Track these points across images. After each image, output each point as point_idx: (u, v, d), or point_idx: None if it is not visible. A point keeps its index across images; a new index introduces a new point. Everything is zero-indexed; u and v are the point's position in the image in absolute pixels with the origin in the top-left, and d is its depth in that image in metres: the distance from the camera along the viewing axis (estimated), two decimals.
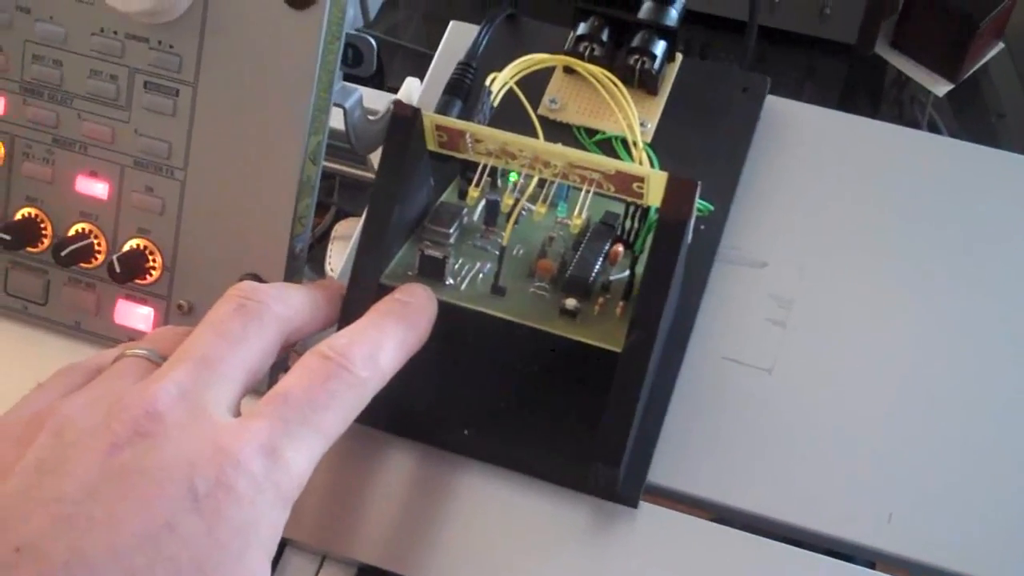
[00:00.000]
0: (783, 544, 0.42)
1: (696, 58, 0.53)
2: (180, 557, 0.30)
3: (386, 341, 0.37)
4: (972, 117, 0.93)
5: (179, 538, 0.30)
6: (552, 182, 0.42)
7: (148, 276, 0.45)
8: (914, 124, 0.99)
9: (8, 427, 0.33)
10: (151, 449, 0.31)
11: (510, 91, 0.46)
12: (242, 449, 0.32)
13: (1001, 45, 0.90)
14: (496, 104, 0.44)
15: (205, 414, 0.33)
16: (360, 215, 0.69)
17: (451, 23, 0.53)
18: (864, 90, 1.01)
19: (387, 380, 0.37)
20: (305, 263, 0.45)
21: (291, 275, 0.44)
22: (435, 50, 0.53)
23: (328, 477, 0.43)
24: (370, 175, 0.61)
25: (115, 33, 0.44)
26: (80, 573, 0.29)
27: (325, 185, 0.66)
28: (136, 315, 0.46)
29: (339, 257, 0.63)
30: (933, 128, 0.98)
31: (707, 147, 0.48)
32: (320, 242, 0.66)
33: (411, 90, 0.55)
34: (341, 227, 0.66)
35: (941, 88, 0.92)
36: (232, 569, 0.31)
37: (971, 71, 0.91)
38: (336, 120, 0.48)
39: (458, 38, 0.52)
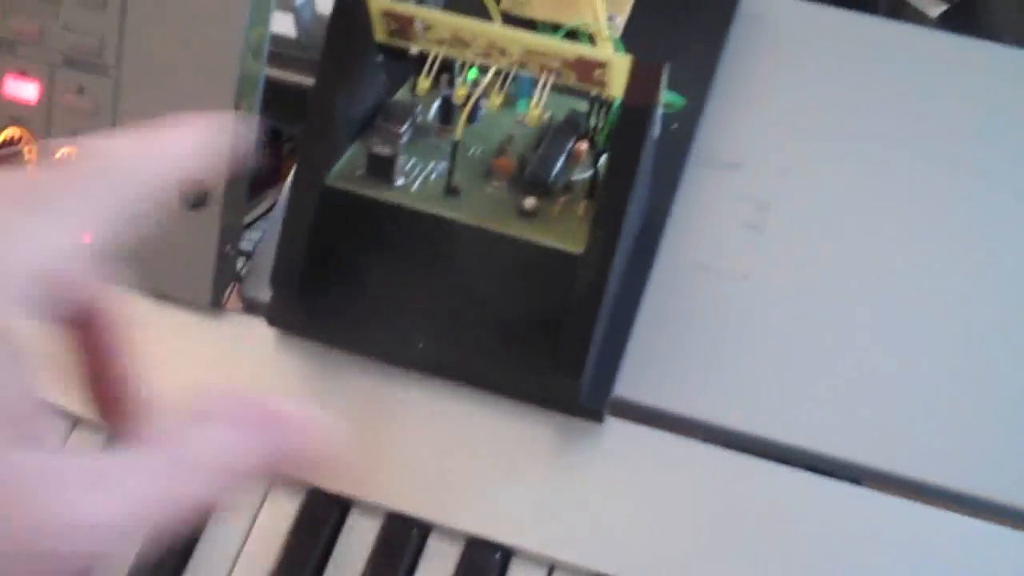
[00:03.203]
0: (762, 460, 0.40)
1: None
2: None
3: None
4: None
5: None
6: (512, 78, 0.39)
7: None
8: None
9: None
10: None
11: None
12: None
13: None
14: None
15: None
16: None
17: None
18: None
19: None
20: (250, 169, 0.42)
21: (232, 180, 0.41)
22: None
23: (287, 399, 0.41)
24: None
25: None
26: None
27: None
28: None
29: None
30: None
31: (681, 42, 0.45)
32: None
33: None
34: None
35: (935, 8, 0.88)
36: None
37: None
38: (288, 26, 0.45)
39: None
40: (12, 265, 0.24)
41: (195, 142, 0.30)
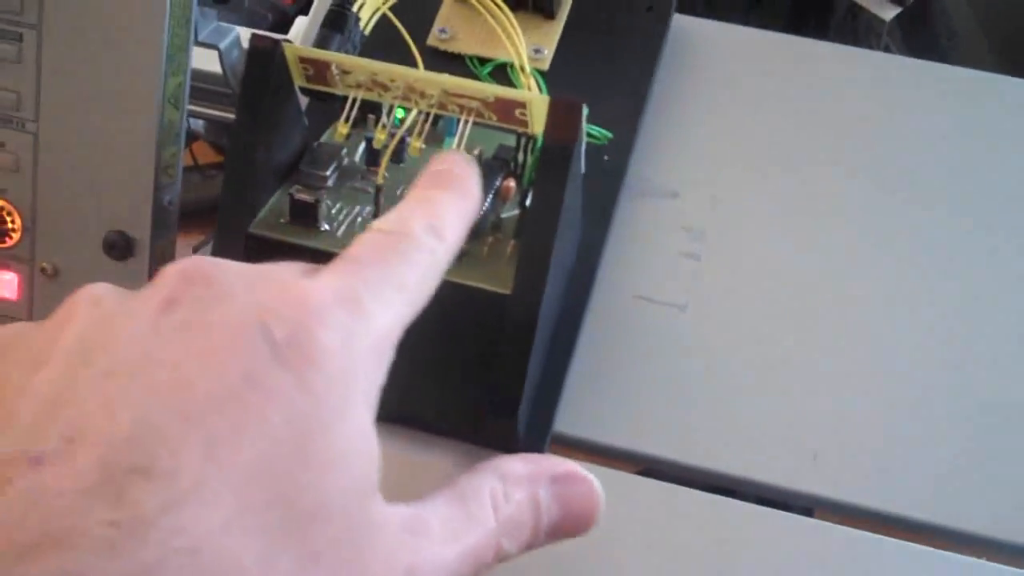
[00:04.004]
0: (709, 494, 0.39)
1: None
2: (270, 417, 0.24)
3: (441, 212, 0.32)
4: (922, 40, 0.90)
5: (265, 393, 0.24)
6: (441, 117, 0.38)
7: (7, 239, 0.42)
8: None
9: (41, 322, 0.28)
10: (211, 302, 0.26)
11: (392, 22, 0.43)
12: (318, 295, 0.26)
13: None
14: (368, 32, 0.41)
15: (269, 274, 0.27)
16: None
17: None
18: (814, 19, 0.98)
19: (454, 253, 0.32)
20: (177, 216, 0.42)
21: (160, 230, 0.41)
22: None
23: None
24: None
25: None
26: (149, 447, 0.23)
27: None
28: None
29: None
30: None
31: (610, 73, 0.44)
32: None
33: (301, 31, 0.51)
34: None
35: (888, 12, 0.88)
36: (336, 428, 0.25)
37: None
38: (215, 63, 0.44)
39: None
40: (364, 338, 0.27)
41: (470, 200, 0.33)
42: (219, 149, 0.90)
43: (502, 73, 0.44)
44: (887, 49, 0.94)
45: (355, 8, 0.40)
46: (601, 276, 0.42)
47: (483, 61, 0.45)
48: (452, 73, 0.42)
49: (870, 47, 0.96)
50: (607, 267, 0.42)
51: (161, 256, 0.41)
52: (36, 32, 0.40)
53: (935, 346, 0.40)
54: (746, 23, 0.99)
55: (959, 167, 0.43)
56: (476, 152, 0.41)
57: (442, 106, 0.37)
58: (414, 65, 0.42)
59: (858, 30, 0.98)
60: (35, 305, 0.42)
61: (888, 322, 0.40)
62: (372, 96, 0.38)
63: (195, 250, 0.86)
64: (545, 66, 0.44)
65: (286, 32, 0.59)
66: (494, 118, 0.37)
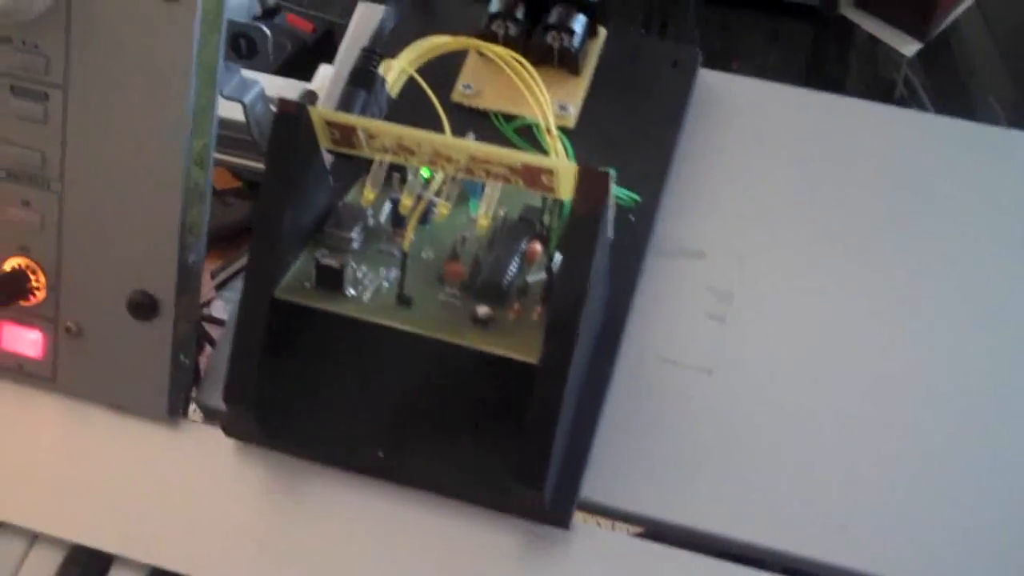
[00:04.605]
0: (735, 565, 0.39)
1: (638, 29, 0.49)
2: None
3: None
4: (943, 76, 0.89)
5: None
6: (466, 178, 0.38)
7: (32, 297, 0.42)
8: (889, 86, 0.95)
9: None
10: None
11: (419, 79, 0.42)
12: None
13: (970, 0, 0.86)
14: (395, 94, 0.41)
15: None
16: None
17: (359, 4, 0.49)
18: (833, 53, 0.97)
19: None
20: (201, 275, 0.42)
21: (185, 290, 0.41)
22: None
23: (247, 509, 0.40)
24: None
25: None
26: None
27: None
28: (24, 340, 0.42)
29: None
30: (908, 87, 0.94)
31: (636, 129, 0.44)
32: None
33: (325, 79, 0.51)
34: None
35: (910, 48, 0.88)
36: None
37: (940, 28, 0.87)
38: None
39: (368, 21, 0.48)
40: None
41: None
42: (237, 175, 0.90)
43: (527, 130, 0.44)
44: (907, 82, 0.94)
45: (381, 71, 0.40)
46: (627, 337, 0.41)
47: (508, 117, 0.44)
48: (476, 129, 0.42)
49: (890, 79, 0.96)
50: (633, 328, 0.41)
51: (185, 313, 0.41)
52: (62, 92, 0.40)
53: (970, 415, 0.39)
54: (767, 58, 0.98)
55: (991, 227, 0.43)
56: (501, 213, 0.40)
57: (468, 171, 0.37)
58: (439, 123, 0.42)
59: (878, 62, 0.98)
60: (59, 364, 0.42)
61: (920, 389, 0.40)
62: (398, 159, 0.38)
63: (213, 275, 0.86)
64: (571, 123, 0.44)
65: (306, 67, 0.59)
66: (520, 183, 0.37)
